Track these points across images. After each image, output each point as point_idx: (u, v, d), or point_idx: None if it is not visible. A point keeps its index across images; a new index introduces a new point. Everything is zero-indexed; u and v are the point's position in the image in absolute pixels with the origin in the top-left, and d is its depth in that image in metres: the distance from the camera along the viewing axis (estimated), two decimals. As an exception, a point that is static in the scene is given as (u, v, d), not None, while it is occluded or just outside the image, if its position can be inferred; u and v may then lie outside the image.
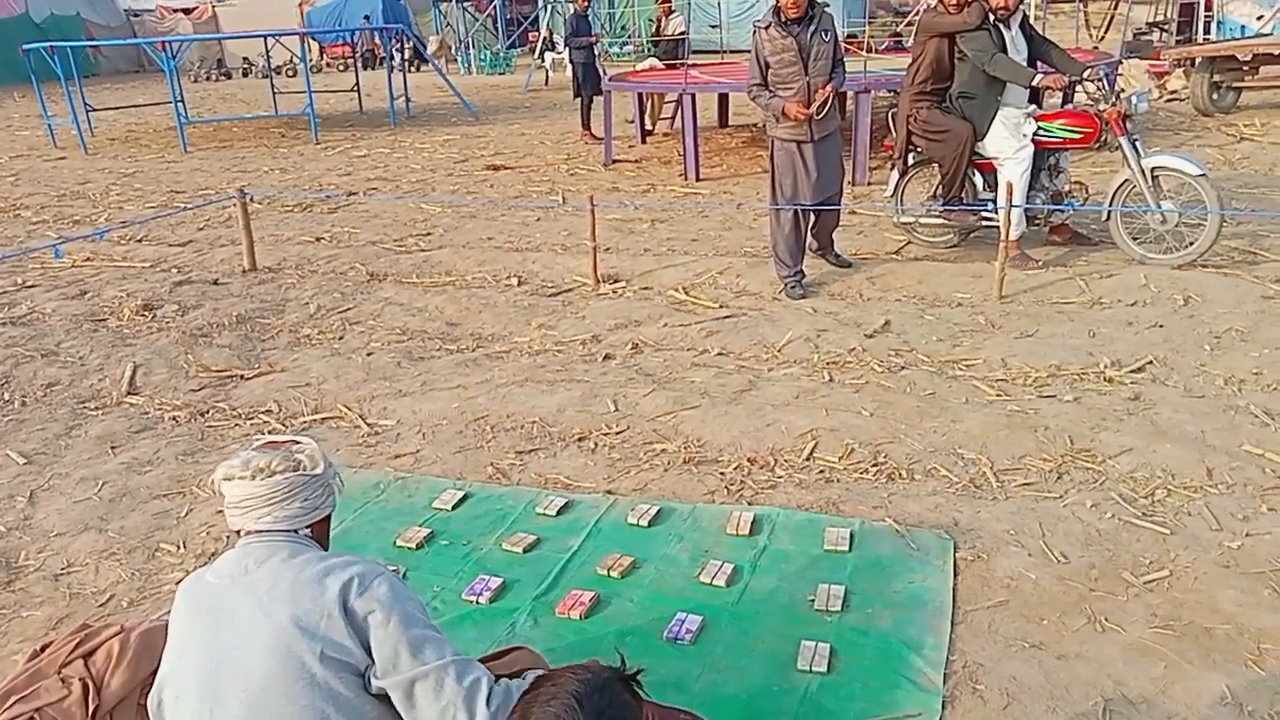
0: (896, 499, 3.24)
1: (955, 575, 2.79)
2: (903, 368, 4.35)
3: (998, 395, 3.98)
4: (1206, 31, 13.89)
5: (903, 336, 4.73)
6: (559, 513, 3.26)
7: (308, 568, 1.76)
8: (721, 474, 3.49)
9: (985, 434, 3.64)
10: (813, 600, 2.71)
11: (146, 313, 5.62)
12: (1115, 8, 16.20)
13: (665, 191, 8.69)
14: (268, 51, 17.79)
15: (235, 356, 4.90)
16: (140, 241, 7.53)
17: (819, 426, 3.77)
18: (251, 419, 4.20)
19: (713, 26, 21.60)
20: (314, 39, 27.36)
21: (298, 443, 1.90)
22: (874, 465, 3.48)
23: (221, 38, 21.67)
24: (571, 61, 11.85)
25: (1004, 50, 5.63)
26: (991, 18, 5.65)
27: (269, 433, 4.03)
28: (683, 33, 12.66)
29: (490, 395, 4.27)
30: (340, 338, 5.17)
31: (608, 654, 2.50)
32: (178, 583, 2.91)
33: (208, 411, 4.28)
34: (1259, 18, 13.34)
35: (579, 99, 11.84)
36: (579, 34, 11.49)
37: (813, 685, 2.38)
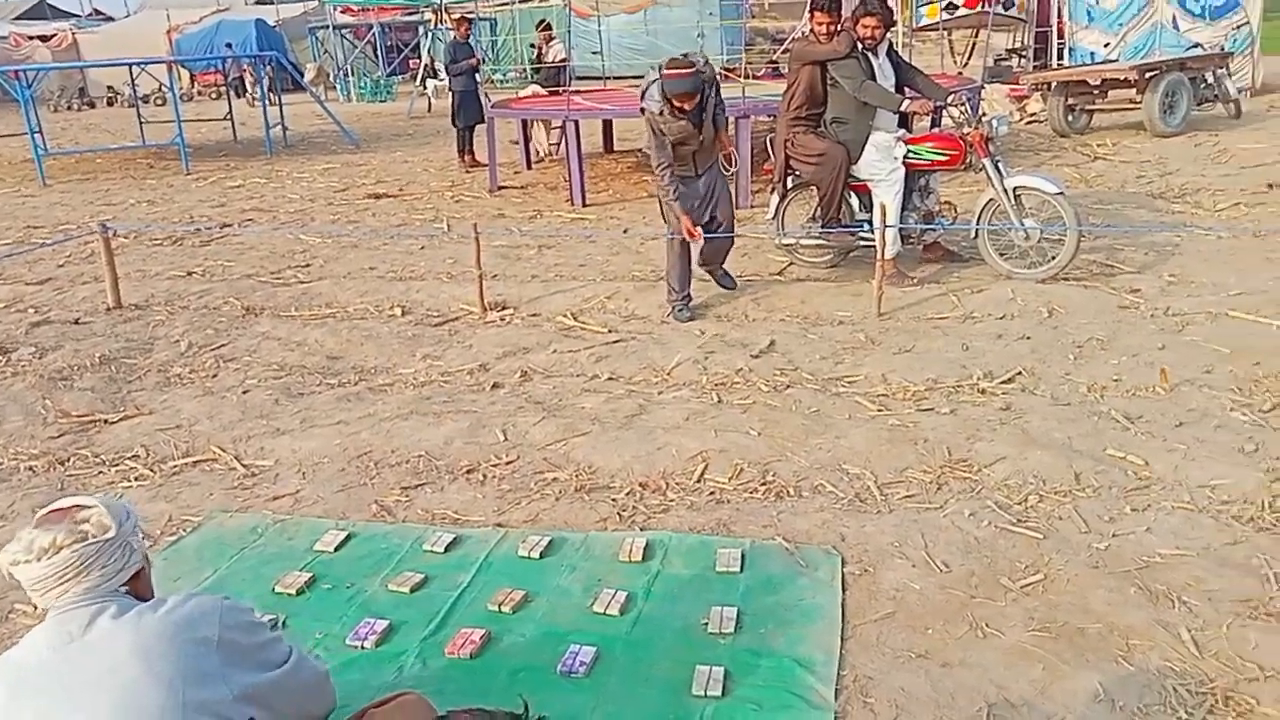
0: (785, 517, 3.27)
1: (844, 590, 2.84)
2: (788, 386, 4.42)
3: (879, 410, 4.09)
4: (1060, 57, 14.72)
5: (787, 356, 4.82)
6: (447, 549, 3.18)
7: (144, 617, 1.68)
8: (613, 500, 3.47)
9: (869, 449, 3.73)
10: (706, 624, 2.70)
11: (0, 357, 5.27)
12: (976, 35, 17.03)
13: (552, 217, 8.68)
14: (133, 80, 17.09)
15: (98, 400, 4.64)
16: (-7, 280, 7.09)
17: (709, 448, 3.79)
18: (116, 465, 3.97)
19: (594, 53, 21.77)
20: (184, 67, 26.47)
21: (83, 507, 1.76)
22: (763, 484, 3.51)
23: (82, 66, 20.62)
24: (451, 90, 11.68)
25: (873, 77, 5.83)
26: (860, 46, 5.86)
27: (128, 486, 3.83)
28: (564, 59, 12.69)
29: (374, 430, 4.16)
30: (214, 376, 4.95)
31: (500, 694, 2.45)
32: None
33: (68, 460, 4.03)
34: (1105, 44, 14.24)
35: (455, 127, 11.70)
36: (458, 60, 11.34)
37: (707, 710, 2.37)
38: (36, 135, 12.43)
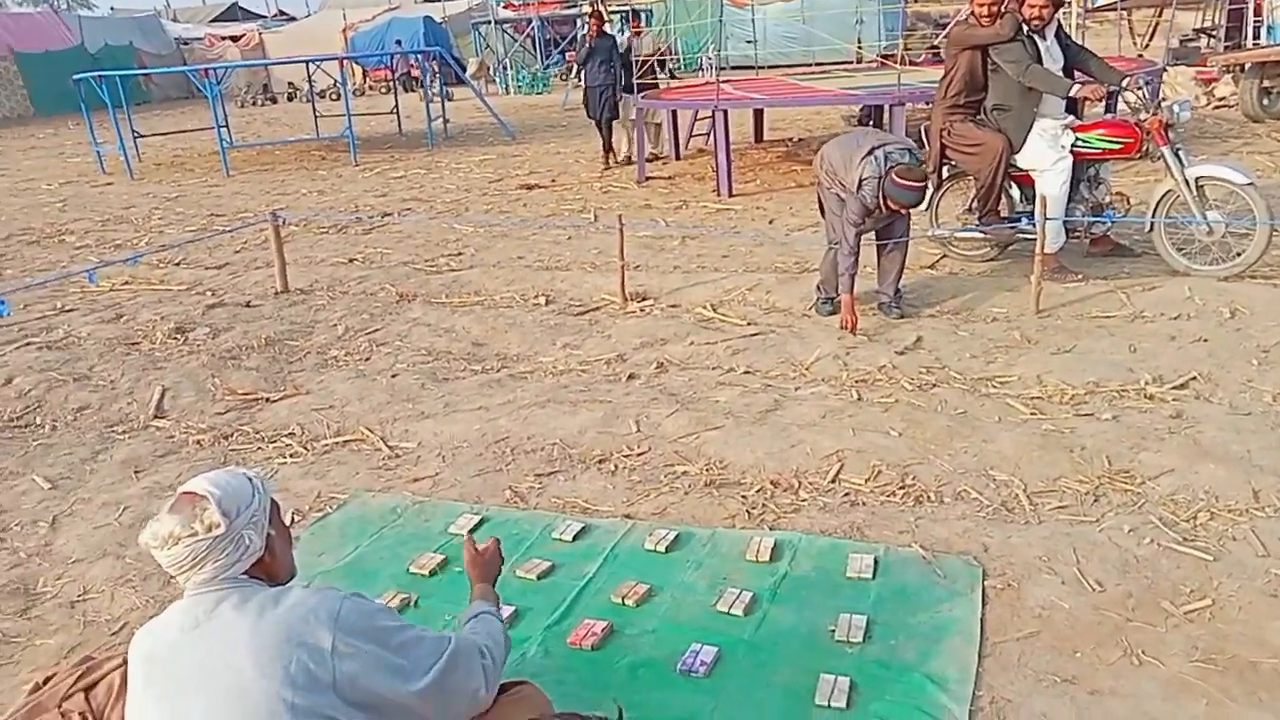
0: (924, 523, 3.12)
1: (984, 604, 2.67)
2: (934, 385, 4.23)
3: (1032, 414, 3.85)
4: (1256, 36, 13.55)
5: (935, 353, 4.61)
6: (575, 538, 3.20)
7: (265, 613, 1.71)
8: (743, 497, 3.40)
9: (1018, 454, 3.51)
10: (833, 630, 2.61)
11: (179, 336, 5.67)
12: (1160, 14, 15.87)
13: (697, 208, 8.63)
14: (310, 76, 18.12)
15: (262, 379, 4.92)
16: (178, 265, 7.64)
17: (845, 447, 3.67)
18: (274, 442, 4.19)
19: (748, 42, 21.51)
20: (357, 63, 27.87)
21: (200, 497, 1.76)
22: (901, 488, 3.37)
23: (262, 64, 22.02)
24: (586, 85, 11.21)
25: (1039, 61, 5.49)
26: (1025, 28, 5.53)
27: (283, 462, 4.02)
28: (663, 50, 12.11)
29: (512, 416, 4.23)
30: (366, 359, 5.17)
31: (620, 688, 2.43)
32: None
33: (231, 435, 4.29)
34: (1311, 21, 13.00)
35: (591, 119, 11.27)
36: (588, 57, 10.95)
37: (831, 723, 2.28)
38: (223, 129, 13.35)
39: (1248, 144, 9.41)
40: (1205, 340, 4.47)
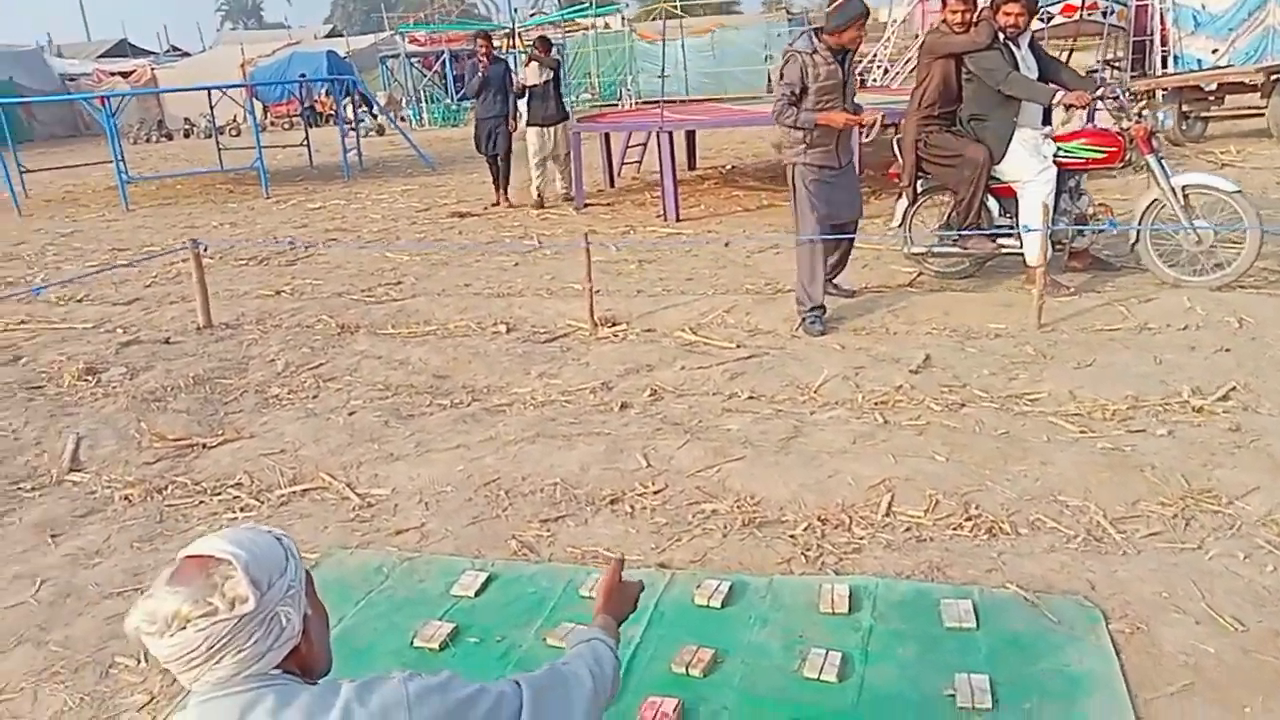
0: (1010, 559, 2.73)
1: (1117, 654, 2.28)
2: (962, 405, 3.88)
3: (1082, 432, 3.52)
4: (1164, 65, 13.97)
5: (950, 371, 4.27)
6: (608, 594, 2.70)
7: None
8: (791, 537, 2.96)
9: (1083, 477, 3.17)
10: (953, 695, 2.17)
11: (90, 377, 4.96)
12: (1073, 43, 16.30)
13: (645, 233, 8.24)
14: (212, 107, 17.17)
15: (195, 422, 4.28)
16: (80, 301, 6.85)
17: (890, 475, 3.27)
18: (219, 494, 3.58)
19: (658, 76, 21.49)
20: (258, 98, 26.81)
21: (220, 562, 1.26)
22: (967, 519, 2.98)
23: (164, 91, 20.83)
24: (477, 118, 10.15)
25: (1016, 69, 5.30)
26: (1001, 35, 5.34)
27: (233, 517, 3.42)
28: (546, 80, 10.00)
29: (498, 454, 3.71)
30: (315, 396, 4.57)
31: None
32: (140, 708, 2.32)
33: (166, 488, 3.65)
34: (1214, 50, 13.48)
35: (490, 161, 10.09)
36: (480, 87, 9.85)
37: (992, 815, 1.84)
38: (120, 162, 12.42)
39: (1179, 164, 9.52)
40: (1227, 350, 4.25)
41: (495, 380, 4.65)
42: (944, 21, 5.65)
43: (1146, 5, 14.59)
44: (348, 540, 3.16)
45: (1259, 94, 10.41)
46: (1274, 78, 10.15)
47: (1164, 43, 14.16)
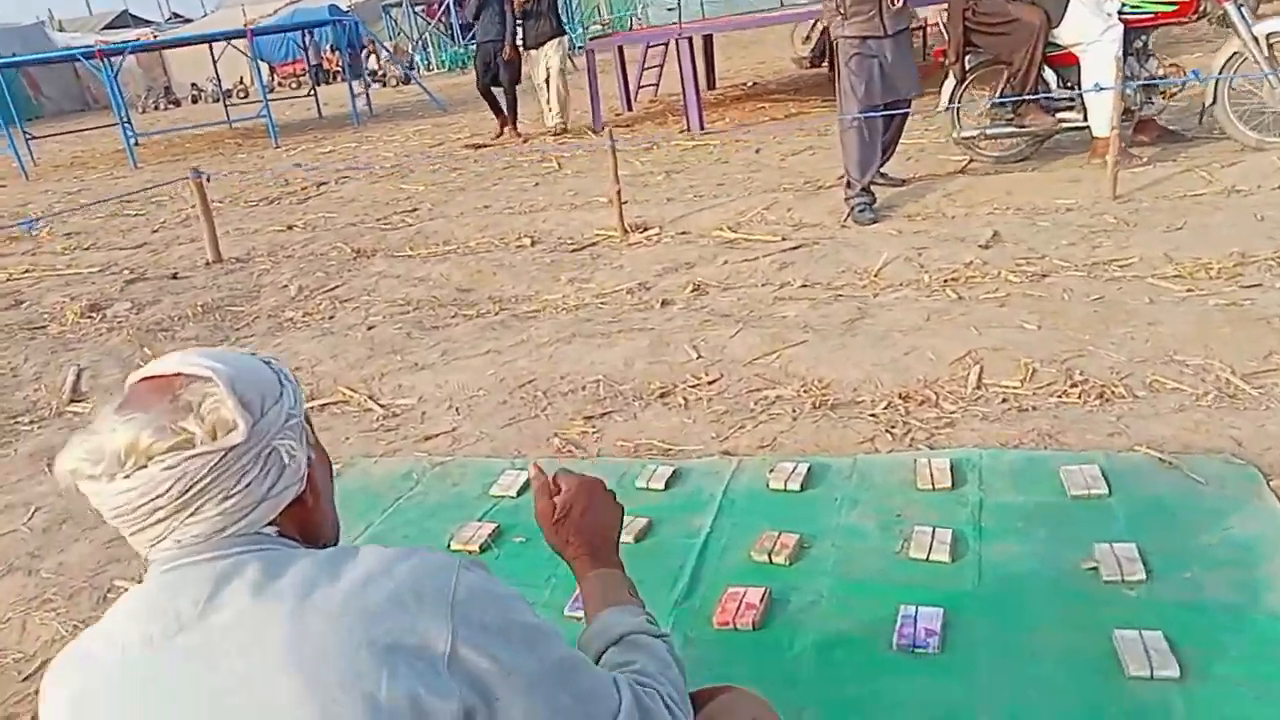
0: (1133, 421, 2.35)
1: (1287, 510, 1.91)
2: (1044, 275, 3.47)
3: (1189, 291, 3.12)
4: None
5: (1023, 245, 3.86)
6: (668, 485, 2.36)
7: (313, 593, 0.85)
8: (872, 416, 2.60)
9: (1201, 334, 2.77)
10: (1095, 568, 1.82)
11: (94, 314, 4.66)
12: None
13: (670, 147, 7.79)
14: (215, 66, 16.73)
15: (204, 347, 3.96)
16: (87, 249, 6.55)
17: (976, 348, 2.89)
18: (230, 416, 3.26)
19: (670, 10, 20.77)
20: (263, 58, 26.33)
21: (194, 379, 0.90)
22: (1072, 385, 2.60)
23: (165, 45, 20.37)
24: (478, 43, 9.56)
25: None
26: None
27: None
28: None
29: (532, 356, 3.36)
30: (331, 317, 4.24)
31: (811, 682, 1.61)
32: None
33: (173, 412, 3.34)
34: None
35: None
36: (487, 6, 9.17)
37: (1175, 701, 1.48)
38: (127, 124, 12.07)
39: (1263, 11, 8.90)
40: (1336, 204, 3.80)
41: (523, 290, 4.30)
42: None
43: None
44: (372, 450, 2.84)
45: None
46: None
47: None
